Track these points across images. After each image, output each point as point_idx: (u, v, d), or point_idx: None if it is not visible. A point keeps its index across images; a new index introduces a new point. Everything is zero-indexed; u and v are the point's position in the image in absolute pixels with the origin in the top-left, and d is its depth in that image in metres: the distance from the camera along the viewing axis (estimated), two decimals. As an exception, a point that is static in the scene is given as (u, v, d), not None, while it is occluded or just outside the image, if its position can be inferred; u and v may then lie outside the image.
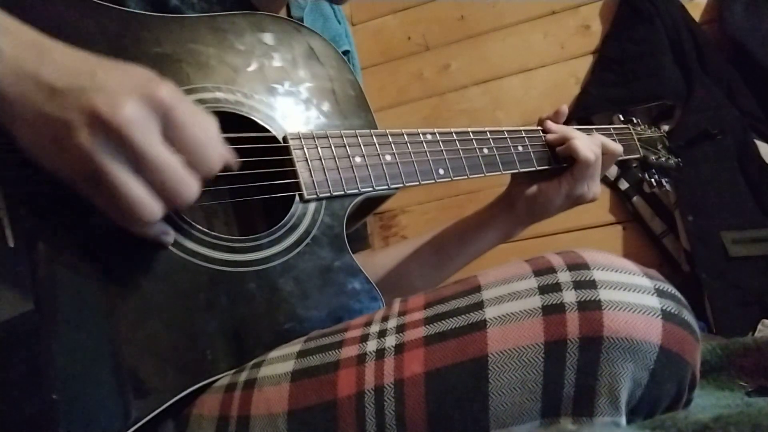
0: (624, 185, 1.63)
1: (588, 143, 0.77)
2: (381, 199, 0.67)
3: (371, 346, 0.46)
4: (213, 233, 0.53)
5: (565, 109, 0.82)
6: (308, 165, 0.59)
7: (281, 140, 0.59)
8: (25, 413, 0.41)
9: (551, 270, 0.45)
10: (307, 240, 0.58)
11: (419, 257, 0.86)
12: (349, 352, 0.47)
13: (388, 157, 0.65)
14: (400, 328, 0.47)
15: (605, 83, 1.65)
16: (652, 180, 0.99)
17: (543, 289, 0.44)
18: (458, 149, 0.71)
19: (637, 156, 0.94)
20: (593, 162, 0.77)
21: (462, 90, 1.83)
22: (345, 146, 0.62)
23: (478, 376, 0.42)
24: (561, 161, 0.79)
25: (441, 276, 0.86)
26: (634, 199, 1.62)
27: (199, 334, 0.50)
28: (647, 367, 0.41)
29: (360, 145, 0.63)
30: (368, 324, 0.49)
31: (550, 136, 0.80)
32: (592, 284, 0.43)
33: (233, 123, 0.58)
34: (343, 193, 0.60)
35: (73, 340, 0.44)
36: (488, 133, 0.75)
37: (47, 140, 0.41)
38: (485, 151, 0.73)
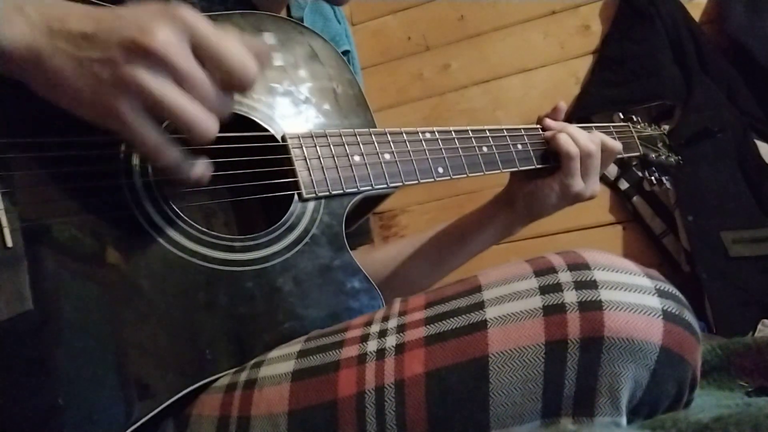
0: (624, 185, 1.63)
1: (578, 137, 0.77)
2: (380, 198, 0.67)
3: (372, 346, 0.46)
4: (211, 232, 0.53)
5: (563, 105, 0.82)
6: (307, 164, 0.59)
7: (280, 140, 0.59)
8: (25, 414, 0.41)
9: (552, 270, 0.45)
10: (306, 239, 0.58)
11: (419, 254, 0.86)
12: (350, 352, 0.47)
13: (387, 156, 0.65)
14: (401, 328, 0.47)
15: (605, 83, 1.65)
16: (652, 178, 0.99)
17: (544, 290, 0.44)
18: (457, 148, 0.71)
19: (637, 154, 0.94)
20: (575, 155, 0.76)
21: (462, 90, 1.83)
22: (344, 145, 0.62)
23: (479, 377, 0.42)
24: (559, 158, 0.79)
25: (440, 273, 0.86)
26: (634, 198, 1.62)
27: (198, 334, 0.50)
28: (648, 368, 0.41)
29: (359, 144, 0.63)
30: (369, 324, 0.49)
31: (547, 133, 0.79)
32: (592, 284, 0.43)
33: (232, 122, 0.58)
34: (342, 192, 0.60)
35: (72, 339, 0.44)
36: (487, 132, 0.74)
37: (92, 85, 0.42)
38: (484, 149, 0.73)
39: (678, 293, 0.45)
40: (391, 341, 0.46)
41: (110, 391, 0.45)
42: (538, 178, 0.79)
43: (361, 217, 0.71)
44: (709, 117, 1.46)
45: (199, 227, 0.53)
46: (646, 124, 1.03)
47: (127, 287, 0.48)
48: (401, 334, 0.46)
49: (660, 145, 1.01)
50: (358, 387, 0.44)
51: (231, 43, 0.45)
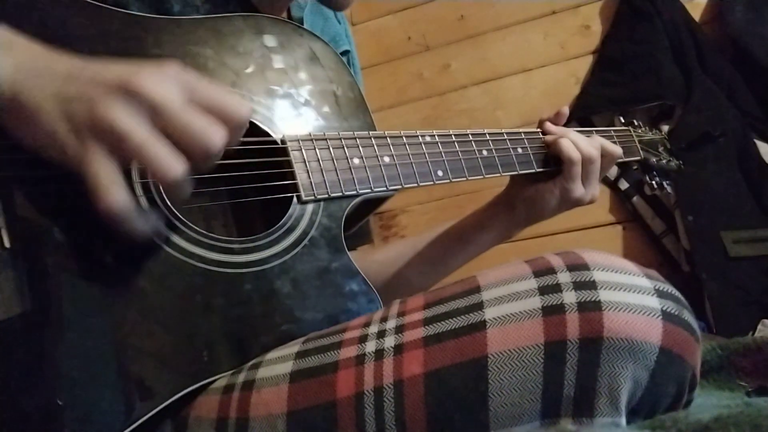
0: (624, 185, 1.63)
1: (579, 143, 0.77)
2: (379, 200, 0.67)
3: (370, 346, 0.46)
4: (210, 234, 0.53)
5: (565, 110, 0.82)
6: (306, 167, 0.59)
7: (279, 142, 0.59)
8: (23, 413, 0.41)
9: (551, 271, 0.45)
10: (305, 241, 0.58)
11: (418, 256, 0.86)
12: (348, 352, 0.47)
13: (387, 159, 0.65)
14: (399, 329, 0.47)
15: (605, 83, 1.65)
16: (653, 182, 0.99)
17: (543, 290, 0.44)
18: (457, 151, 0.71)
19: (638, 158, 0.94)
20: (577, 160, 0.76)
21: (462, 90, 1.83)
22: (343, 148, 0.62)
23: (478, 377, 0.42)
24: (559, 162, 0.79)
25: (439, 275, 0.86)
26: (634, 199, 1.62)
27: (195, 335, 0.50)
28: (647, 368, 0.41)
29: (358, 147, 0.63)
30: (367, 325, 0.49)
31: (547, 138, 0.80)
32: (592, 285, 0.43)
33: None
34: (341, 194, 0.60)
35: (70, 341, 0.44)
36: (487, 135, 0.74)
37: (67, 123, 0.41)
38: (484, 152, 0.73)
39: (677, 293, 0.45)
40: (389, 342, 0.46)
41: (108, 392, 0.45)
42: (538, 182, 0.79)
43: (360, 219, 0.71)
44: (709, 117, 1.46)
45: (198, 229, 0.53)
46: (647, 128, 1.03)
47: (125, 288, 0.48)
48: (400, 334, 0.46)
49: (661, 149, 1.01)
50: (356, 388, 0.44)
51: (218, 91, 0.45)
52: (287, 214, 0.58)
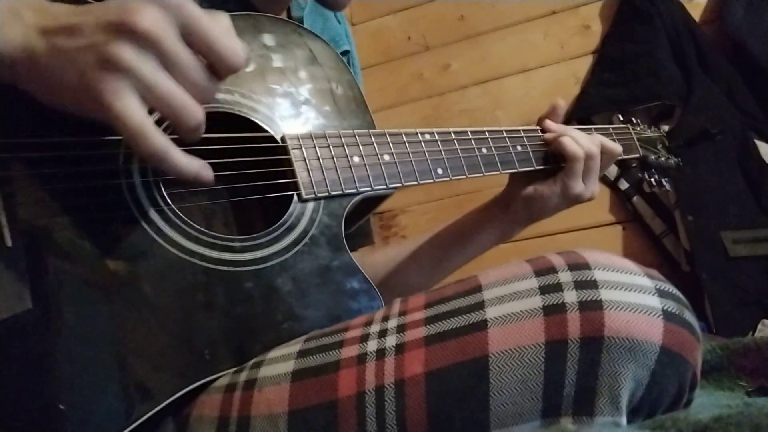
0: (624, 185, 1.63)
1: (580, 139, 0.77)
2: (379, 198, 0.67)
3: (372, 346, 0.46)
4: (210, 232, 0.53)
5: (560, 102, 0.82)
6: (306, 165, 0.59)
7: (279, 140, 0.59)
8: (23, 413, 0.41)
9: (552, 270, 0.45)
10: (305, 239, 0.58)
11: (418, 256, 0.86)
12: (350, 352, 0.47)
13: (387, 157, 0.65)
14: (401, 328, 0.47)
15: (605, 83, 1.65)
16: (652, 180, 0.99)
17: (544, 289, 0.44)
18: (457, 149, 0.71)
19: (637, 156, 0.94)
20: (581, 157, 0.76)
21: (462, 90, 1.83)
22: (343, 146, 0.62)
23: (479, 377, 0.42)
24: (559, 160, 0.79)
25: (439, 275, 0.86)
26: (634, 199, 1.62)
27: (197, 334, 0.50)
28: (648, 367, 0.41)
29: (358, 145, 0.63)
30: (368, 324, 0.49)
31: (547, 135, 0.80)
32: (593, 284, 0.43)
33: (232, 123, 0.58)
34: (341, 192, 0.60)
35: (71, 339, 0.44)
36: (487, 133, 0.74)
37: (79, 73, 0.41)
38: (484, 150, 0.73)
39: (678, 293, 0.45)
40: (391, 341, 0.46)
41: (109, 391, 0.45)
42: (536, 181, 0.79)
43: (360, 218, 0.71)
44: (710, 117, 1.46)
45: (198, 227, 0.53)
46: (646, 126, 1.03)
47: (126, 287, 0.48)
48: (401, 334, 0.46)
49: (659, 147, 1.02)
50: (358, 387, 0.44)
51: (220, 25, 0.44)
52: (288, 213, 0.58)
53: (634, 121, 1.01)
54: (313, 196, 0.59)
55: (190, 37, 0.43)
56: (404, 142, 0.67)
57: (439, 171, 0.68)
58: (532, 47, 1.76)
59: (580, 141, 0.77)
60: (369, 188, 0.62)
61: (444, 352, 0.43)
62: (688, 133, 1.13)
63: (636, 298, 0.42)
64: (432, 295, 0.49)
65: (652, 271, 0.46)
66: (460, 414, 0.42)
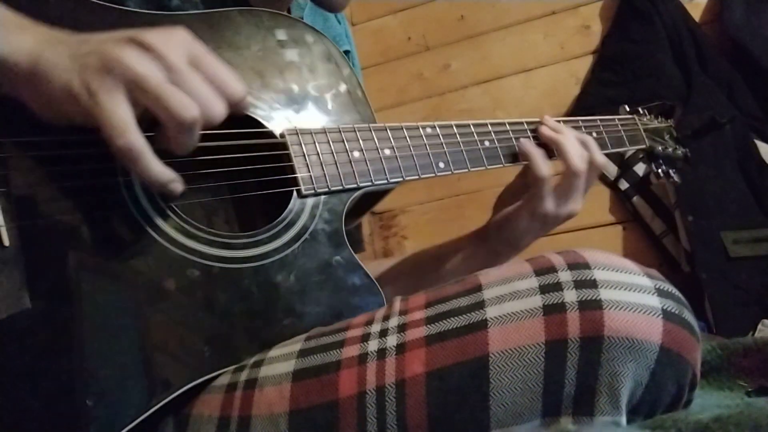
0: (624, 185, 1.63)
1: (568, 153, 0.70)
2: (380, 194, 0.66)
3: (372, 345, 0.46)
4: (209, 229, 0.53)
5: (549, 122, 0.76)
6: (306, 160, 0.59)
7: (278, 136, 0.59)
8: (22, 412, 0.41)
9: (552, 269, 0.45)
10: (306, 235, 0.58)
11: (393, 276, 0.84)
12: (351, 351, 0.47)
13: (387, 152, 0.64)
14: (402, 328, 0.47)
15: (605, 83, 1.65)
16: (659, 171, 0.95)
17: (544, 289, 0.44)
18: (458, 142, 0.70)
19: (643, 146, 0.91)
20: (545, 177, 0.69)
21: (462, 90, 1.83)
22: (343, 141, 0.62)
23: (479, 376, 0.42)
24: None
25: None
26: (634, 199, 1.62)
27: (197, 331, 0.50)
28: (648, 367, 0.41)
29: (358, 140, 0.63)
30: (369, 323, 0.49)
31: (545, 133, 0.74)
32: (592, 284, 0.43)
33: (230, 119, 0.58)
34: (341, 188, 0.60)
35: (69, 337, 0.44)
36: (489, 126, 0.73)
37: (80, 74, 0.42)
38: (486, 143, 0.72)
39: (678, 293, 0.45)
40: (391, 341, 0.46)
41: (106, 390, 0.44)
42: (506, 206, 0.75)
43: (361, 214, 0.71)
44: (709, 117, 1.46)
45: (197, 224, 0.53)
46: (653, 116, 0.99)
47: (124, 285, 0.48)
48: (402, 333, 0.46)
49: (667, 137, 0.98)
50: (359, 387, 0.44)
51: (220, 65, 0.47)
52: (287, 209, 0.58)
53: (641, 112, 0.97)
54: (312, 191, 0.59)
55: (197, 66, 0.45)
56: (405, 136, 0.66)
57: (441, 164, 0.68)
58: (532, 47, 1.76)
59: (567, 155, 0.71)
60: (369, 183, 0.62)
61: (444, 352, 0.43)
62: (692, 127, 1.10)
63: (636, 298, 0.42)
64: (432, 294, 0.49)
65: (651, 271, 0.46)
66: (461, 414, 0.42)
